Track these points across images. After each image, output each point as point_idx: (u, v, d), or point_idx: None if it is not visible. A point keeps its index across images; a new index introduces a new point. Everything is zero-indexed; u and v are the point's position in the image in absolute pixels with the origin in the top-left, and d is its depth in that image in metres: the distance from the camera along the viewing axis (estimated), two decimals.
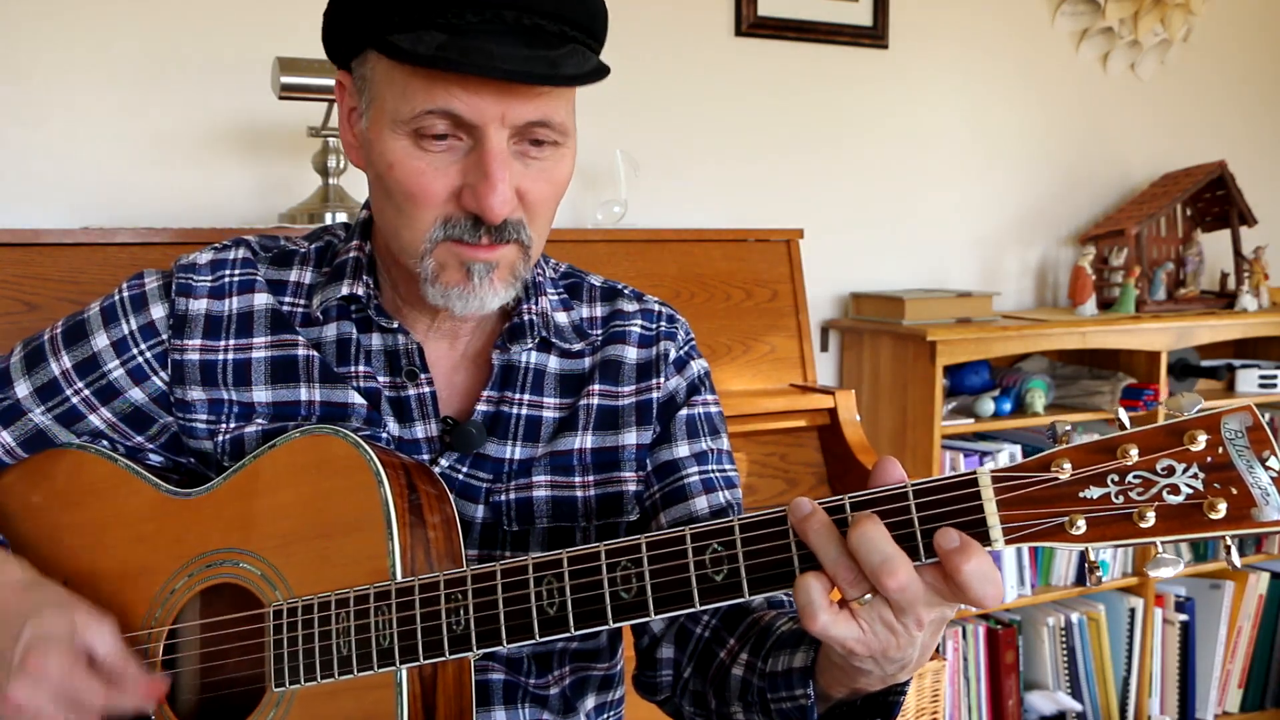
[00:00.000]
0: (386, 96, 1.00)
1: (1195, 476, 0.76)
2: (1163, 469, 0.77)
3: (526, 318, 1.14)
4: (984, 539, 0.81)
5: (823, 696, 0.96)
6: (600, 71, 1.01)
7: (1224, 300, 3.21)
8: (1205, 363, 3.23)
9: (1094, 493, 0.78)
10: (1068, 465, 0.79)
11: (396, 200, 1.02)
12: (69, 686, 0.96)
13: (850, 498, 0.85)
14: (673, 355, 1.21)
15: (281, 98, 2.01)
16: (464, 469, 1.12)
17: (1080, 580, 2.95)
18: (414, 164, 0.99)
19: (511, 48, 0.95)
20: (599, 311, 1.22)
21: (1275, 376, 3.16)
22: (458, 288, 1.03)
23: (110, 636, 1.00)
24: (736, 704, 1.05)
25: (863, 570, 0.82)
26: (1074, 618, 2.98)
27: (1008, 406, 2.86)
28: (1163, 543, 0.77)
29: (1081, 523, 0.78)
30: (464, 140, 0.99)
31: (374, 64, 1.01)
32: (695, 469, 1.17)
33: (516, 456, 1.13)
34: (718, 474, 1.18)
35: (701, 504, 1.14)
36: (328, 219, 2.10)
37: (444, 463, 1.11)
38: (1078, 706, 2.97)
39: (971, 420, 2.81)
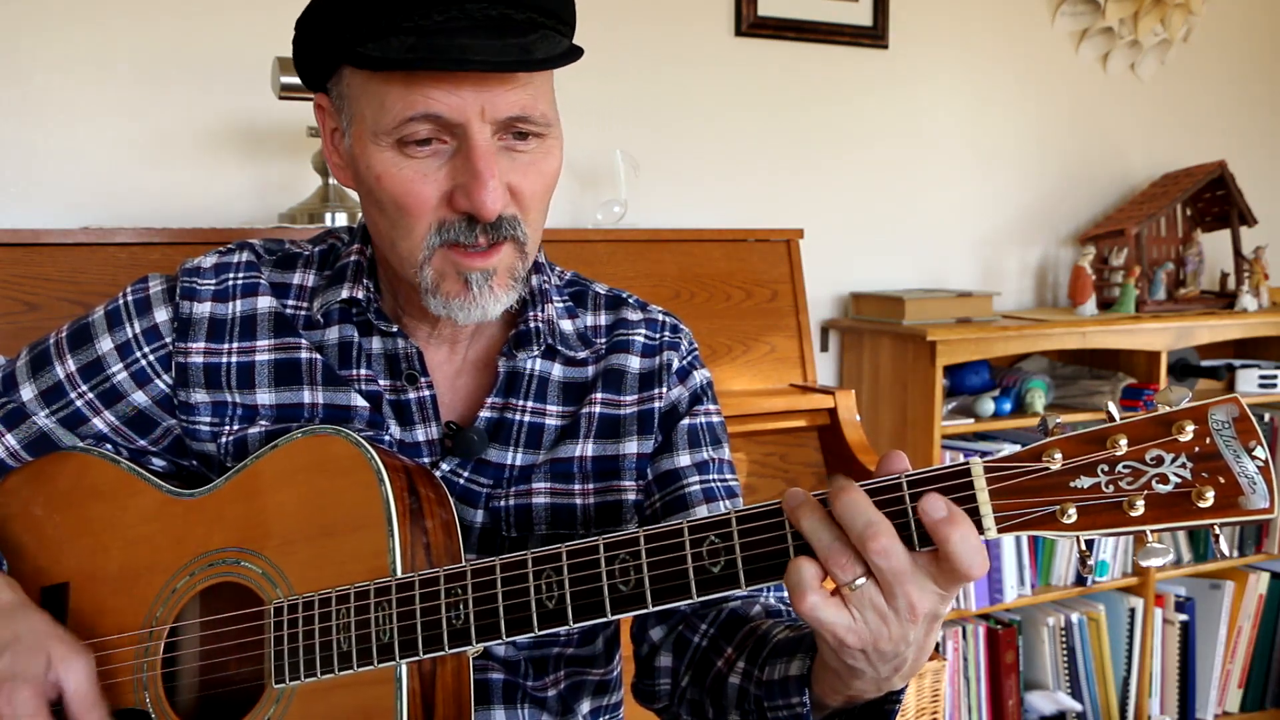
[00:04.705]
0: (365, 110, 1.00)
1: (1184, 466, 0.77)
2: (1152, 459, 0.78)
3: (533, 325, 1.14)
4: (977, 528, 0.81)
5: (818, 705, 0.96)
6: (573, 53, 1.01)
7: (1224, 300, 3.22)
8: (1205, 363, 3.23)
9: (1084, 482, 0.79)
10: (1059, 455, 0.80)
11: (389, 213, 1.02)
12: None
13: None
14: (676, 365, 1.21)
15: (281, 98, 2.02)
16: (465, 474, 1.12)
17: (1080, 580, 2.95)
18: (401, 173, 0.99)
19: (482, 40, 0.95)
20: (603, 320, 1.22)
21: (1275, 376, 3.17)
22: (459, 299, 1.03)
23: (81, 674, 1.01)
24: (734, 712, 1.05)
25: (849, 540, 0.82)
26: (1074, 618, 2.98)
27: (1008, 406, 2.86)
28: (1153, 531, 0.78)
29: (1073, 511, 0.78)
30: (448, 143, 0.99)
31: (349, 80, 1.02)
32: (696, 478, 1.17)
33: (517, 463, 1.13)
34: (719, 483, 1.18)
35: (702, 513, 1.14)
36: (327, 219, 2.10)
37: (445, 467, 1.11)
38: (1078, 706, 2.97)
39: (971, 420, 2.81)
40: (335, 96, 1.05)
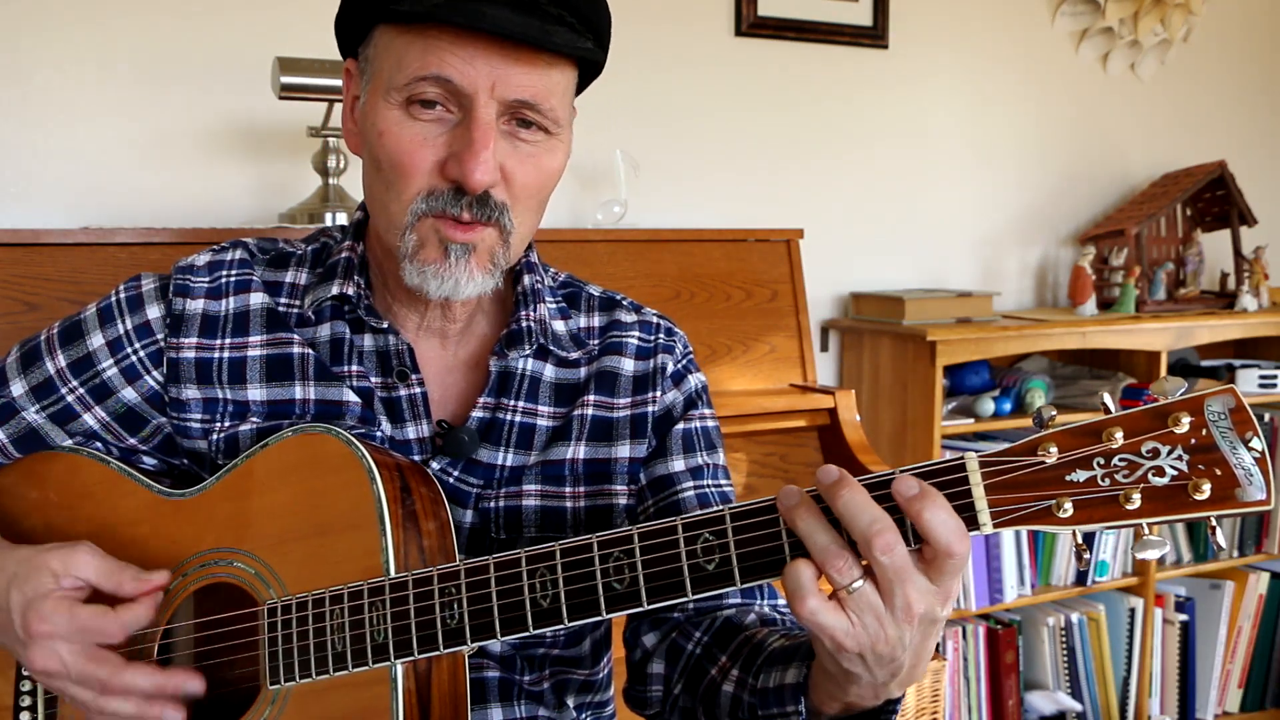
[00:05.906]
0: (385, 67, 1.02)
1: (1180, 458, 0.77)
2: (1148, 451, 0.78)
3: (525, 324, 1.14)
4: (972, 523, 0.81)
5: (814, 713, 0.95)
6: (594, 56, 1.03)
7: (1224, 300, 3.21)
8: (1205, 363, 3.23)
9: (1080, 476, 0.79)
10: (1054, 449, 0.79)
11: (384, 172, 1.03)
12: (80, 630, 0.98)
13: None
14: (670, 369, 1.20)
15: (281, 98, 2.01)
16: (455, 473, 1.11)
17: (1080, 580, 2.95)
18: (403, 132, 1.01)
19: (506, 11, 0.97)
20: (596, 321, 1.22)
21: (1275, 376, 3.16)
22: (433, 265, 1.03)
23: (89, 560, 1.01)
24: None
25: (845, 542, 0.82)
26: (1074, 618, 2.98)
27: (1008, 406, 2.85)
28: (1149, 524, 0.78)
29: (1069, 505, 0.78)
30: (454, 114, 1.00)
31: (377, 41, 1.04)
32: (690, 484, 1.17)
33: (508, 464, 1.13)
34: (713, 489, 1.18)
35: None
36: (328, 219, 2.10)
37: (435, 466, 1.11)
38: (1078, 706, 2.97)
39: (971, 420, 2.80)
40: (363, 60, 1.07)
